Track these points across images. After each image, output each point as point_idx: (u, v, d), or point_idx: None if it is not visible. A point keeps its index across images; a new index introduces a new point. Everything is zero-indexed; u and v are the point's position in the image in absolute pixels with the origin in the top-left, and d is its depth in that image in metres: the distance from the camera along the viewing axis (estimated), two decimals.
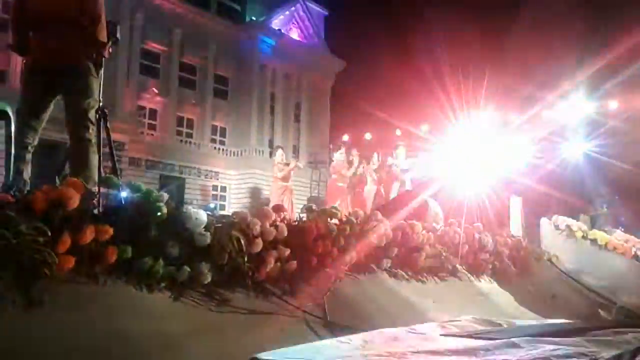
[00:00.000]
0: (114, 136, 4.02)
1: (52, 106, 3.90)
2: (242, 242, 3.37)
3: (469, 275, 5.66)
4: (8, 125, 3.78)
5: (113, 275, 2.76)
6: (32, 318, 2.30)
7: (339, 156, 10.97)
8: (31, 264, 2.39)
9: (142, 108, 28.06)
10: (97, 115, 3.77)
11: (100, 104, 3.85)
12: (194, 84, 30.13)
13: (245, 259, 3.38)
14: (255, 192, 27.86)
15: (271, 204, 7.79)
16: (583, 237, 8.08)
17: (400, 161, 10.77)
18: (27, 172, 3.74)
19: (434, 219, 6.27)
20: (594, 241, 8.03)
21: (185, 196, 26.68)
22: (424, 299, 4.58)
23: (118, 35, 4.02)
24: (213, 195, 29.42)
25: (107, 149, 3.79)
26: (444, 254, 5.40)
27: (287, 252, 3.69)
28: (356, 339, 2.91)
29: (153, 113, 28.80)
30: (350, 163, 10.99)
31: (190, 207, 3.31)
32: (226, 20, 30.72)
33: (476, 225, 6.27)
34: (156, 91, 28.22)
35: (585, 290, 7.01)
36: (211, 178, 29.62)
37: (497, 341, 2.94)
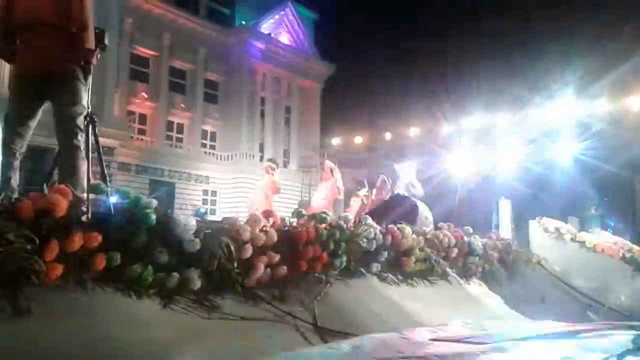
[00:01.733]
0: (104, 141, 4.01)
1: (40, 113, 3.88)
2: (232, 248, 3.37)
3: (458, 278, 5.68)
4: None
5: (102, 283, 2.75)
6: (20, 326, 2.29)
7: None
8: (19, 272, 2.37)
9: (132, 113, 27.93)
10: (86, 122, 3.75)
11: (89, 110, 3.83)
12: (184, 89, 30.03)
13: (235, 265, 3.38)
14: (245, 197, 27.79)
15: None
16: (571, 239, 8.15)
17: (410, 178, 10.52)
18: (15, 179, 3.71)
19: (423, 222, 6.29)
20: (582, 243, 8.10)
21: (176, 201, 26.58)
22: (413, 302, 4.59)
23: (106, 41, 4.01)
24: (203, 200, 29.34)
25: (96, 155, 3.78)
26: (433, 257, 5.42)
27: (277, 257, 3.69)
28: (346, 344, 2.92)
29: (143, 118, 28.68)
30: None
31: (179, 212, 3.30)
32: (216, 25, 30.66)
33: (466, 229, 6.30)
34: (146, 96, 28.11)
35: (574, 292, 7.07)
36: (201, 183, 29.53)
37: (486, 345, 2.95)
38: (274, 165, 9.96)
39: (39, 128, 3.90)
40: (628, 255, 8.08)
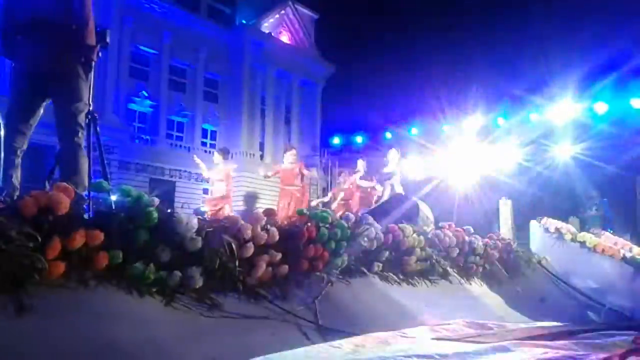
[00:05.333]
0: (104, 140, 4.00)
1: (41, 110, 3.89)
2: (234, 246, 3.37)
3: (459, 278, 5.67)
4: None
5: (104, 281, 2.74)
6: (22, 324, 2.28)
7: (289, 157, 11.00)
8: (21, 270, 2.37)
9: (132, 111, 27.94)
10: (87, 119, 3.76)
11: (90, 107, 3.83)
12: (184, 87, 30.03)
13: (237, 263, 3.38)
14: (245, 195, 27.77)
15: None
16: (572, 239, 8.13)
17: (390, 166, 10.75)
18: (17, 177, 3.72)
19: (424, 221, 6.28)
20: (582, 243, 8.09)
21: (176, 200, 26.58)
22: (414, 302, 4.58)
23: (108, 39, 4.00)
24: (204, 198, 29.32)
25: (97, 153, 3.78)
26: (434, 257, 5.41)
27: (279, 256, 3.69)
28: (347, 343, 2.92)
29: (143, 116, 28.68)
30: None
31: (180, 211, 3.30)
32: (216, 24, 30.65)
33: (466, 228, 6.29)
34: (146, 94, 28.11)
35: (574, 293, 7.06)
36: (202, 181, 29.50)
37: (488, 345, 2.95)
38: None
39: (40, 126, 3.90)
40: (629, 255, 8.08)
